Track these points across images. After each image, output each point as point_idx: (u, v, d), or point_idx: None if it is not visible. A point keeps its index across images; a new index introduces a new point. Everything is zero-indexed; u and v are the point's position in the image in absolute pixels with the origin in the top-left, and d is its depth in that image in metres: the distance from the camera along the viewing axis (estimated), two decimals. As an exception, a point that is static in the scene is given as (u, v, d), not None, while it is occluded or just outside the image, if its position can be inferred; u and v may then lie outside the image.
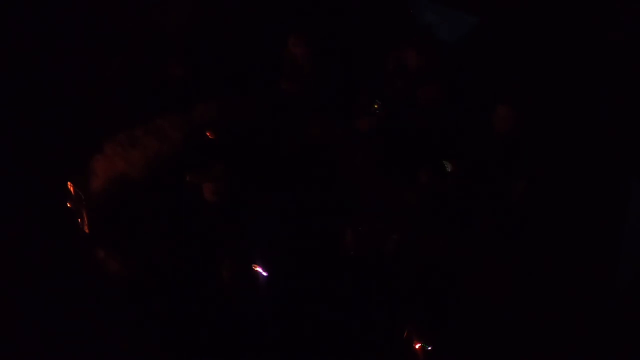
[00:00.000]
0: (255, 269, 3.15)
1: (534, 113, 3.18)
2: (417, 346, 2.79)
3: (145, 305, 2.96)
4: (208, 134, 4.04)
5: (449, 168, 3.24)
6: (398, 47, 3.38)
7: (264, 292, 3.08)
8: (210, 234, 3.46)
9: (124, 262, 3.12)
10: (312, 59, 3.72)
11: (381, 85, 3.54)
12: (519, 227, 3.35)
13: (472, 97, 3.37)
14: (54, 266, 2.94)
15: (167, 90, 4.13)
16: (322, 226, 3.67)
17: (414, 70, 3.34)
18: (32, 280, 2.72)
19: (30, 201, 3.05)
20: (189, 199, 3.64)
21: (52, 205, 3.17)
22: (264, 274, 3.14)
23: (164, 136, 4.08)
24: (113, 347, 2.64)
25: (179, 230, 3.43)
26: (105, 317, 2.73)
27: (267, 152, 4.10)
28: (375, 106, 3.69)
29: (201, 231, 3.46)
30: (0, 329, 2.50)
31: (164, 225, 3.44)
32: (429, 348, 2.76)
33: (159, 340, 2.83)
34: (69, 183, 3.25)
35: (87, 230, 3.20)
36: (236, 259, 3.01)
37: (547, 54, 3.12)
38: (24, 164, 3.12)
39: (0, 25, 2.83)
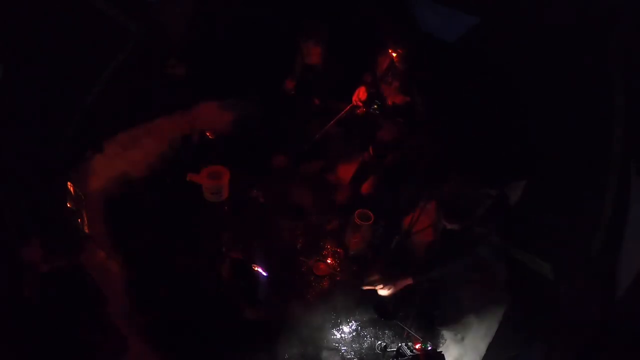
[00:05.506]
0: (256, 269, 3.16)
1: (534, 110, 3.18)
2: (417, 346, 2.79)
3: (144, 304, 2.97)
4: (208, 134, 4.05)
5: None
6: (397, 47, 3.39)
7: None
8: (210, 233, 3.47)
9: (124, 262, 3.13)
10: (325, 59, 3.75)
11: (380, 85, 3.55)
12: (518, 227, 3.36)
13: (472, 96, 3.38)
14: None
15: (167, 90, 4.13)
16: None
17: (412, 69, 3.35)
18: (31, 280, 2.72)
19: (30, 201, 3.04)
20: (189, 199, 3.65)
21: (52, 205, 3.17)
22: (264, 274, 3.15)
23: (164, 136, 4.09)
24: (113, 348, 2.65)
25: (177, 228, 3.44)
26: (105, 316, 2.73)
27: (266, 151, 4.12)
28: (375, 106, 3.70)
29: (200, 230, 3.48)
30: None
31: (163, 225, 3.45)
32: (429, 348, 2.75)
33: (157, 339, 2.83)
34: (69, 183, 3.25)
35: (87, 230, 3.20)
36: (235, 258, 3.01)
37: (547, 51, 3.13)
38: (24, 164, 3.12)
39: (2, 25, 2.83)
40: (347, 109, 3.78)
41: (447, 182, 2.78)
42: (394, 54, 3.33)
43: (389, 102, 3.51)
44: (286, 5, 4.03)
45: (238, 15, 4.19)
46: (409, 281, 2.84)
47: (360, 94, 3.65)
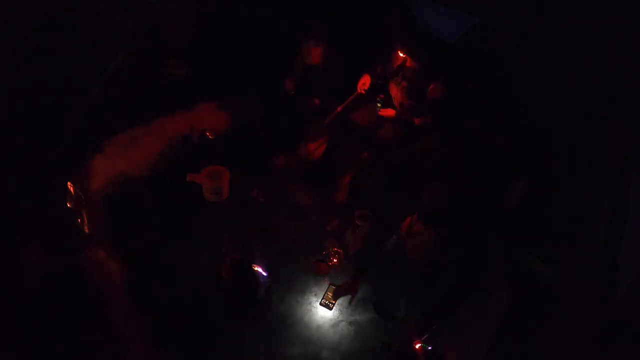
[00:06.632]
0: (256, 269, 3.16)
1: (534, 110, 3.18)
2: (417, 346, 2.79)
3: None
4: (208, 134, 4.04)
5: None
6: (397, 47, 3.39)
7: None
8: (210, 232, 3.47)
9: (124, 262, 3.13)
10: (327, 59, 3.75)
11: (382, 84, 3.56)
12: (518, 227, 3.36)
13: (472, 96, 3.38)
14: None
15: (167, 90, 4.13)
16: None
17: (413, 69, 3.35)
18: (31, 280, 2.72)
19: (30, 201, 3.05)
20: (189, 199, 3.65)
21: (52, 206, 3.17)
22: (264, 274, 3.14)
23: (164, 136, 4.09)
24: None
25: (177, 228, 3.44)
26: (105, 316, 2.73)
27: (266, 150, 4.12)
28: (379, 105, 3.70)
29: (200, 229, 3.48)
30: None
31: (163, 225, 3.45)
32: (429, 348, 2.75)
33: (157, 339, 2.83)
34: (69, 183, 3.25)
35: (87, 230, 3.20)
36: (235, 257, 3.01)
37: (547, 51, 3.13)
38: (24, 164, 3.13)
39: (2, 25, 2.83)
40: (352, 96, 3.79)
41: (424, 189, 2.79)
42: (407, 56, 3.32)
43: (396, 102, 3.51)
44: (286, 5, 4.03)
45: (238, 15, 4.19)
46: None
47: (366, 82, 3.65)
